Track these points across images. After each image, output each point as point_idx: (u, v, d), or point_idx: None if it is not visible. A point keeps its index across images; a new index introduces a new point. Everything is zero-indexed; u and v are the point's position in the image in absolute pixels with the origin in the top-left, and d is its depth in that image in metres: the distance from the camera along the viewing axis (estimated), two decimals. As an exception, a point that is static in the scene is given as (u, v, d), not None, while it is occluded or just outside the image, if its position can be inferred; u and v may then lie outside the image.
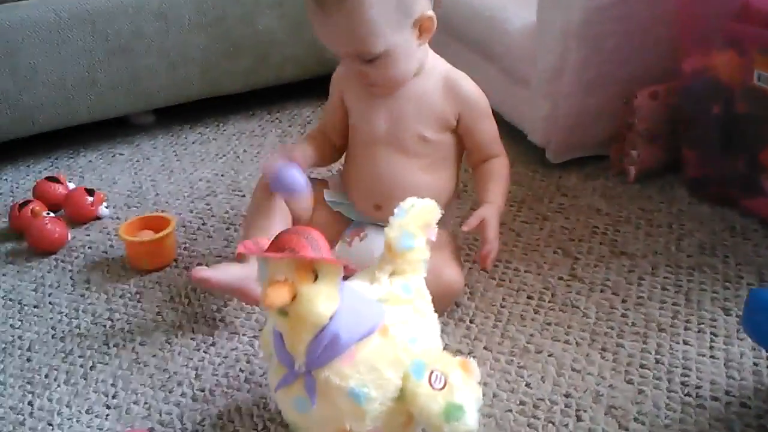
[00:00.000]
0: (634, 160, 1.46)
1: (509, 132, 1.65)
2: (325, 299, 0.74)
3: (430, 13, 1.06)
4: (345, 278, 0.81)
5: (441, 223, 1.17)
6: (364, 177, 1.17)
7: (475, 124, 1.16)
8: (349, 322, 0.77)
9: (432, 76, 1.14)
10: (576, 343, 1.08)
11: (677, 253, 1.27)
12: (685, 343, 1.06)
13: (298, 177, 1.07)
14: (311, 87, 1.91)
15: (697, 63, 1.35)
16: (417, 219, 0.92)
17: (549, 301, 1.17)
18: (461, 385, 0.79)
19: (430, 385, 0.78)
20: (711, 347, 1.05)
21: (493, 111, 1.67)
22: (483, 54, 1.67)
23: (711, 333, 1.08)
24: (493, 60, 1.63)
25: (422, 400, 0.77)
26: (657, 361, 1.03)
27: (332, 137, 1.22)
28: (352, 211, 1.19)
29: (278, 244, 0.74)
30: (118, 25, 1.66)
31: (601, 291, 1.18)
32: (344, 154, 1.24)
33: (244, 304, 1.16)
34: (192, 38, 1.75)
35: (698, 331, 1.08)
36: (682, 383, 0.99)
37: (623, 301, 1.16)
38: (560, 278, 1.22)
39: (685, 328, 1.09)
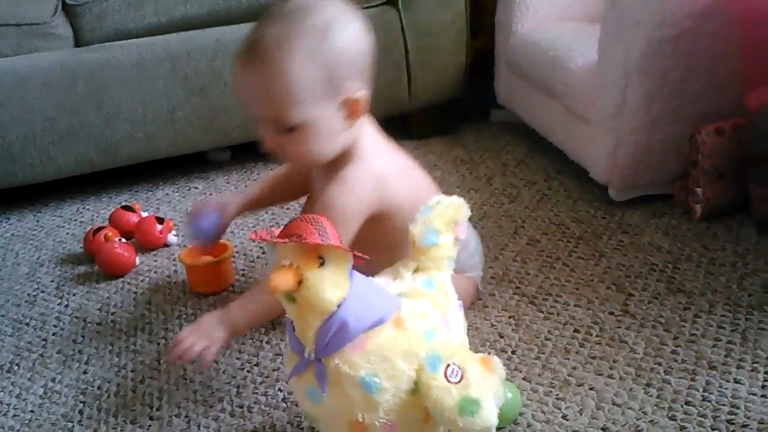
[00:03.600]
0: (700, 198, 1.42)
1: (573, 170, 1.65)
2: (331, 285, 0.75)
3: (360, 95, 0.99)
4: (358, 269, 0.81)
5: None
6: None
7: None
8: (359, 310, 0.77)
9: (358, 168, 1.03)
10: (620, 377, 1.04)
11: (738, 292, 1.21)
12: (736, 381, 1.01)
13: (206, 229, 1.19)
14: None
15: (763, 97, 1.31)
16: (442, 216, 0.91)
17: (596, 336, 1.14)
18: (479, 380, 0.77)
19: (446, 378, 0.77)
20: (763, 386, 1.00)
21: (556, 148, 1.69)
22: (547, 92, 1.67)
23: (765, 372, 1.02)
24: (557, 98, 1.63)
25: (436, 393, 0.76)
26: (704, 399, 0.99)
27: (297, 178, 1.22)
28: None
29: (287, 231, 0.76)
30: (196, 67, 1.76)
31: (653, 327, 1.14)
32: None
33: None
34: (267, 79, 1.83)
35: (752, 370, 1.03)
36: (728, 421, 0.94)
37: (675, 338, 1.12)
38: (611, 313, 1.19)
39: (738, 367, 1.04)
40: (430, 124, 2.02)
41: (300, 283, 0.74)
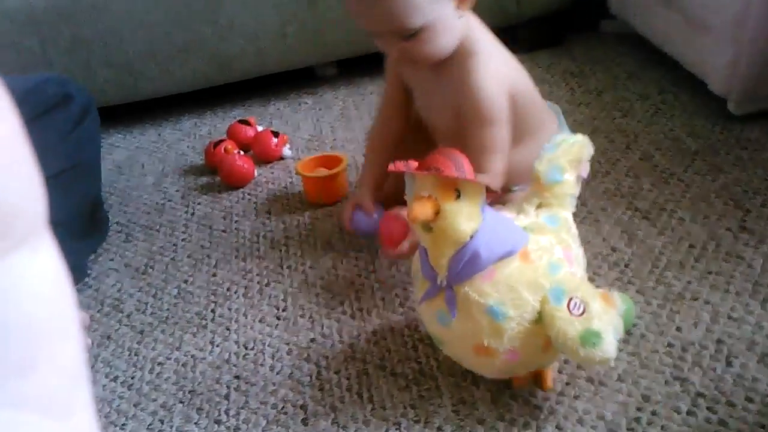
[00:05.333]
0: (827, 112, 1.36)
1: (689, 82, 1.60)
2: (466, 217, 0.79)
3: None
4: (490, 204, 0.85)
5: None
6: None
7: (467, 122, 1.07)
8: (490, 242, 0.81)
9: (482, 54, 1.07)
10: (736, 292, 1.04)
11: None
12: None
13: (368, 225, 1.20)
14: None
15: None
16: (567, 154, 0.93)
17: (712, 251, 1.13)
18: (600, 314, 0.80)
19: (569, 310, 0.80)
20: None
21: (672, 59, 1.63)
22: (665, 0, 1.61)
23: None
24: (675, 6, 1.57)
25: (559, 324, 0.80)
26: (824, 315, 0.98)
27: (394, 125, 1.23)
28: None
29: (425, 164, 0.79)
30: (307, -20, 1.77)
31: (772, 244, 1.13)
32: None
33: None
34: (375, -8, 1.83)
35: None
36: None
37: (795, 255, 1.10)
38: (728, 229, 1.17)
39: None
40: (538, 35, 1.98)
41: (437, 213, 0.78)
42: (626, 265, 1.12)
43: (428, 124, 1.20)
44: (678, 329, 0.99)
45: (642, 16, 1.77)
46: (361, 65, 1.96)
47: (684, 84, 1.63)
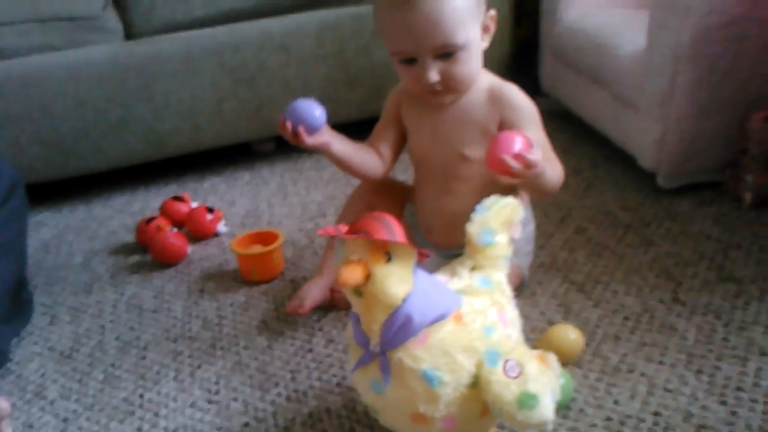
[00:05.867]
0: (749, 186, 1.41)
1: (619, 157, 1.64)
2: (397, 280, 0.77)
3: (493, 12, 1.08)
4: (421, 265, 0.82)
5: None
6: (419, 201, 1.21)
7: (517, 129, 1.07)
8: (422, 306, 0.79)
9: (478, 89, 1.11)
10: (671, 364, 1.05)
11: (790, 279, 1.21)
12: (790, 368, 1.01)
13: (313, 110, 1.04)
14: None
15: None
16: (498, 216, 0.93)
17: (646, 323, 1.14)
18: (537, 376, 0.79)
19: (505, 373, 0.79)
20: (818, 374, 1.00)
21: (602, 135, 1.68)
22: (594, 80, 1.67)
23: (820, 360, 1.02)
24: (604, 85, 1.63)
25: (495, 388, 0.78)
26: (755, 384, 0.99)
27: (378, 147, 1.19)
28: (417, 233, 1.23)
29: (355, 228, 0.78)
30: (243, 58, 1.78)
31: (703, 315, 1.14)
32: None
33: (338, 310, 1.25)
34: (312, 70, 1.85)
35: (806, 358, 1.03)
36: (783, 409, 0.94)
37: (725, 325, 1.11)
38: (661, 301, 1.19)
39: (791, 354, 1.04)
40: (473, 113, 2.02)
41: (367, 277, 0.76)
42: (563, 339, 1.12)
43: (428, 168, 1.18)
44: (616, 402, 0.99)
45: (573, 94, 1.83)
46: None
47: (615, 159, 1.67)
